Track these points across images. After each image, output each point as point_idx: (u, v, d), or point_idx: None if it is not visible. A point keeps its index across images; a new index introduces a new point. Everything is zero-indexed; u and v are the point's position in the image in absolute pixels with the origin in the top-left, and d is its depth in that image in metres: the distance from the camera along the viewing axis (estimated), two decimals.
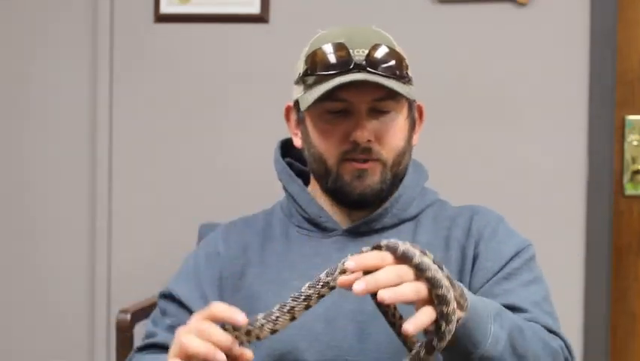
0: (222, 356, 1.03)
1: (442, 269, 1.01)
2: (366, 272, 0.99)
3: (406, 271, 0.99)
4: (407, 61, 1.40)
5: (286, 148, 1.49)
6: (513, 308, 1.24)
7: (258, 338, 1.06)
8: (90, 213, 2.59)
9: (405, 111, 1.38)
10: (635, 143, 2.39)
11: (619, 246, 2.39)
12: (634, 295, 2.40)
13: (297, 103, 1.40)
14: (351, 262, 0.99)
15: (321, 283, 1.04)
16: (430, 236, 1.38)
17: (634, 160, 2.39)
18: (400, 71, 1.35)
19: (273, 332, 1.06)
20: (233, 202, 2.42)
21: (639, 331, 2.40)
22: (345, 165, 1.35)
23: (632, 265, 2.40)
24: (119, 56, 2.56)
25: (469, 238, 1.37)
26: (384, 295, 0.96)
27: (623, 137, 2.39)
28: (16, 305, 2.63)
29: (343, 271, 1.01)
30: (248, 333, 1.06)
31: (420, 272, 0.99)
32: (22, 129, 2.63)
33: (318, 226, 1.40)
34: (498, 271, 1.33)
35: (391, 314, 1.09)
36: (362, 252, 1.03)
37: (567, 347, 1.27)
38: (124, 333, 1.98)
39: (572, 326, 2.35)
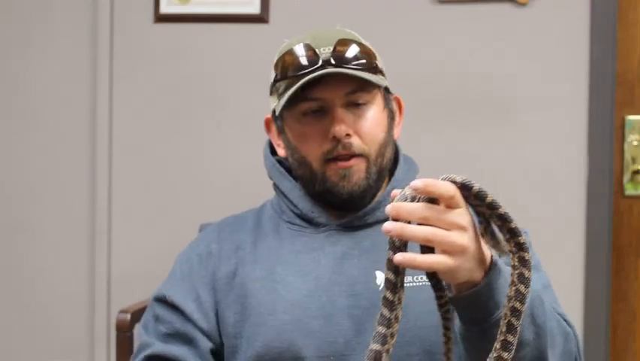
0: None
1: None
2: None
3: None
4: (377, 54, 1.39)
5: (274, 146, 1.48)
6: None
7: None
8: (90, 214, 2.58)
9: (380, 102, 1.38)
10: (635, 143, 2.39)
11: (619, 246, 2.39)
12: (634, 295, 2.40)
13: (274, 113, 1.40)
14: (419, 182, 0.96)
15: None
16: None
17: (634, 160, 2.39)
18: (367, 63, 1.34)
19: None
20: (233, 202, 2.41)
21: (639, 330, 2.41)
22: (329, 166, 1.34)
23: (632, 265, 2.40)
24: (119, 56, 2.56)
25: None
26: (388, 227, 0.95)
27: (623, 137, 2.39)
28: (17, 305, 2.63)
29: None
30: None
31: (491, 210, 1.00)
32: (22, 129, 2.62)
33: (310, 222, 1.39)
34: None
35: (440, 302, 1.07)
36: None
37: (575, 335, 1.27)
38: (124, 333, 1.98)
39: None
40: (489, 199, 0.99)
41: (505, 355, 0.99)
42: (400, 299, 1.00)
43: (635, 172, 2.39)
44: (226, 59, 2.52)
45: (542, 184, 2.39)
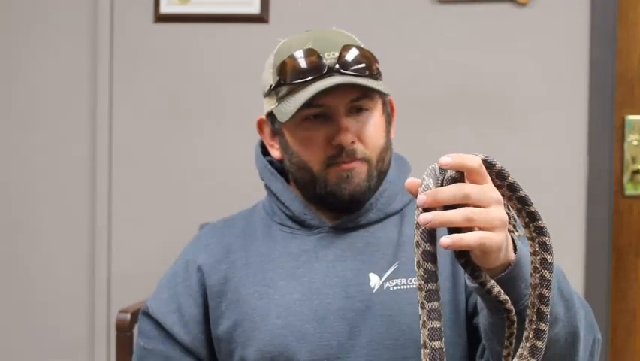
0: None
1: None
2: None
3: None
4: (375, 57, 1.38)
5: (265, 147, 1.47)
6: None
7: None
8: (90, 214, 2.58)
9: (380, 107, 1.38)
10: (635, 143, 2.39)
11: (619, 246, 2.39)
12: (634, 295, 2.40)
13: (269, 115, 1.39)
14: (448, 157, 0.91)
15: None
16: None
17: (634, 160, 2.39)
18: (371, 69, 1.34)
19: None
20: (233, 202, 2.42)
21: (639, 330, 2.41)
22: (331, 170, 1.34)
23: (632, 265, 2.40)
24: (119, 56, 2.56)
25: None
26: (427, 217, 0.88)
27: (623, 137, 2.39)
28: (17, 305, 2.63)
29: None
30: None
31: (511, 192, 0.95)
32: (22, 129, 2.62)
33: (302, 224, 1.38)
34: None
35: (487, 287, 1.00)
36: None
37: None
38: (124, 333, 1.98)
39: None
40: (510, 180, 0.95)
41: (539, 344, 0.95)
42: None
43: (635, 172, 2.39)
44: (226, 59, 2.52)
45: (542, 184, 2.39)
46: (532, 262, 0.97)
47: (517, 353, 0.97)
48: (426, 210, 0.90)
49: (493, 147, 2.41)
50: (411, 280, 1.29)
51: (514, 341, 1.01)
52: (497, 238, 0.92)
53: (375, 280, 1.32)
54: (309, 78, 1.30)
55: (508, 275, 0.99)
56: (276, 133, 1.40)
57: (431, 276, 0.91)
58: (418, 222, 0.90)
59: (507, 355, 1.01)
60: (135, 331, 2.03)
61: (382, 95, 1.35)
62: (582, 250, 2.38)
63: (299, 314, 1.30)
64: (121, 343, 1.98)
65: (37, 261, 2.62)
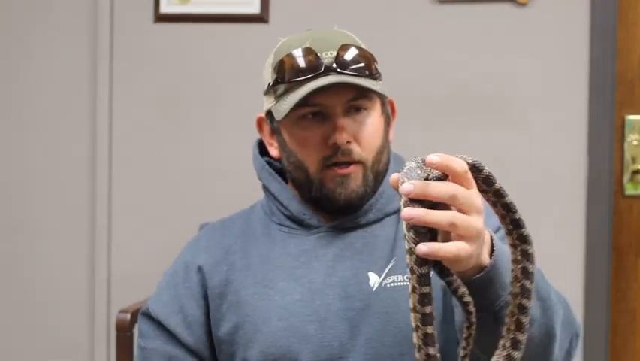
0: None
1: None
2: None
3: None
4: (375, 57, 1.38)
5: (263, 147, 1.47)
6: None
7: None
8: (90, 213, 2.59)
9: (378, 108, 1.37)
10: (635, 143, 2.39)
11: (619, 246, 2.39)
12: (634, 295, 2.40)
13: (268, 113, 1.39)
14: (436, 156, 0.88)
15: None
16: None
17: (634, 160, 2.39)
18: (369, 69, 1.33)
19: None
20: (233, 202, 2.42)
21: (639, 330, 2.41)
22: (327, 173, 1.33)
23: (632, 265, 2.40)
24: (119, 56, 2.56)
25: None
26: (410, 213, 0.86)
27: (623, 137, 2.39)
28: (17, 305, 2.63)
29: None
30: None
31: (497, 198, 0.93)
32: (22, 129, 2.63)
33: (300, 224, 1.38)
34: None
35: (454, 286, 0.98)
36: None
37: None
38: (124, 333, 1.98)
39: None
40: (497, 186, 0.94)
41: (515, 354, 0.94)
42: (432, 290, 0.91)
43: (635, 172, 2.39)
44: (226, 59, 2.52)
45: (542, 184, 2.39)
46: (512, 270, 0.96)
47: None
48: (411, 201, 0.87)
49: (493, 146, 2.41)
50: (407, 278, 1.29)
51: (472, 342, 0.98)
52: (471, 249, 0.91)
53: (374, 279, 1.32)
54: (306, 77, 1.30)
55: (482, 278, 0.99)
56: (274, 132, 1.40)
57: (424, 279, 0.89)
58: (407, 225, 0.88)
59: (464, 356, 0.99)
60: (135, 331, 2.03)
61: (380, 95, 1.35)
62: (582, 250, 2.38)
63: (300, 315, 1.30)
64: (121, 343, 1.98)
65: (37, 261, 2.62)
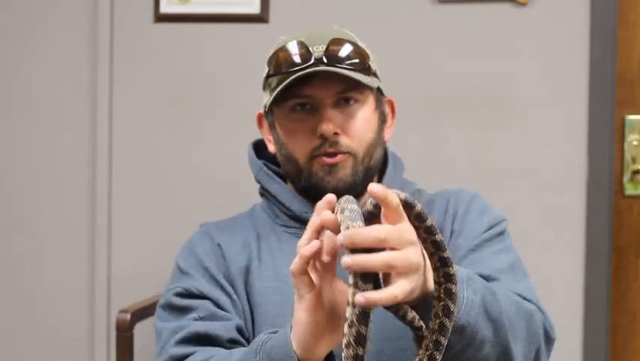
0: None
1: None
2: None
3: (397, 235, 0.93)
4: (372, 56, 1.38)
5: (259, 150, 1.48)
6: (482, 277, 1.22)
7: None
8: (90, 213, 2.58)
9: (371, 103, 1.38)
10: (635, 143, 2.39)
11: (619, 246, 2.39)
12: (634, 295, 2.40)
13: (266, 108, 1.40)
14: (377, 187, 0.93)
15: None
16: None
17: (634, 160, 2.39)
18: (360, 63, 1.34)
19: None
20: (233, 202, 2.42)
21: (639, 330, 2.40)
22: (315, 162, 1.34)
23: (632, 265, 2.40)
24: (119, 56, 2.56)
25: (446, 220, 1.38)
26: (348, 263, 0.91)
27: (623, 137, 2.39)
28: (17, 305, 2.63)
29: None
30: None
31: (427, 235, 0.96)
32: (22, 129, 2.62)
33: (304, 223, 1.38)
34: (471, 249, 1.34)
35: (401, 315, 1.02)
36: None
37: (542, 311, 1.26)
38: (124, 333, 1.98)
39: (572, 326, 2.35)
40: (428, 223, 0.96)
41: None
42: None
43: (635, 172, 2.39)
44: (226, 59, 2.52)
45: (542, 184, 2.39)
46: (434, 306, 0.98)
47: None
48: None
49: (493, 147, 2.41)
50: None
51: None
52: (411, 285, 0.94)
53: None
54: (295, 69, 1.31)
55: (426, 305, 1.01)
56: (271, 126, 1.42)
57: (362, 340, 0.92)
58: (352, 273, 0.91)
59: None
60: (135, 331, 2.04)
61: (368, 87, 1.35)
62: (582, 250, 2.37)
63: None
64: (121, 343, 1.98)
65: (37, 261, 2.62)
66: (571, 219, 2.38)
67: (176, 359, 1.28)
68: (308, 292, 1.04)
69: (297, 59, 1.32)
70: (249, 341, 1.33)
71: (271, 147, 1.44)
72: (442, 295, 0.98)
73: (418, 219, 0.96)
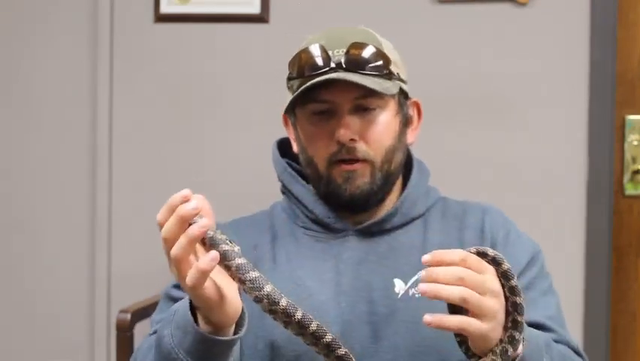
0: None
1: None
2: None
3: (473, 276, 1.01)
4: (394, 57, 1.39)
5: (282, 148, 1.48)
6: (538, 326, 1.25)
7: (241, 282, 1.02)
8: (90, 213, 2.58)
9: (392, 108, 1.38)
10: (635, 143, 2.39)
11: (619, 246, 2.39)
12: (634, 295, 2.40)
13: (288, 111, 1.41)
14: (428, 256, 1.02)
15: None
16: (441, 237, 1.38)
17: (634, 160, 2.39)
18: (380, 68, 1.34)
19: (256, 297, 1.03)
20: (233, 202, 2.42)
21: (639, 330, 2.40)
22: (334, 168, 1.34)
23: (632, 265, 2.40)
24: (119, 56, 2.56)
25: (484, 242, 1.38)
26: (424, 288, 0.99)
27: (623, 137, 2.39)
28: (17, 305, 2.63)
29: None
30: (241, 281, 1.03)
31: (504, 280, 1.02)
32: (22, 129, 2.62)
33: (326, 227, 1.39)
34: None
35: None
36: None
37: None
38: (124, 333, 1.98)
39: (572, 326, 2.35)
40: (513, 283, 1.02)
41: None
42: None
43: (635, 172, 2.39)
44: (226, 59, 2.52)
45: (542, 184, 2.39)
46: (501, 340, 1.04)
47: None
48: None
49: (493, 146, 2.41)
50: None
51: None
52: (485, 327, 1.00)
53: (400, 286, 1.32)
54: (315, 73, 1.32)
55: None
56: (294, 127, 1.42)
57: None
58: None
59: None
60: (135, 331, 2.04)
61: (404, 95, 1.35)
62: (582, 250, 2.37)
63: (326, 317, 1.30)
64: (121, 343, 1.98)
65: (37, 261, 2.62)
66: (571, 220, 2.38)
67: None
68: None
69: (316, 63, 1.32)
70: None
71: (295, 147, 1.44)
72: (505, 338, 1.04)
73: (504, 277, 1.03)
